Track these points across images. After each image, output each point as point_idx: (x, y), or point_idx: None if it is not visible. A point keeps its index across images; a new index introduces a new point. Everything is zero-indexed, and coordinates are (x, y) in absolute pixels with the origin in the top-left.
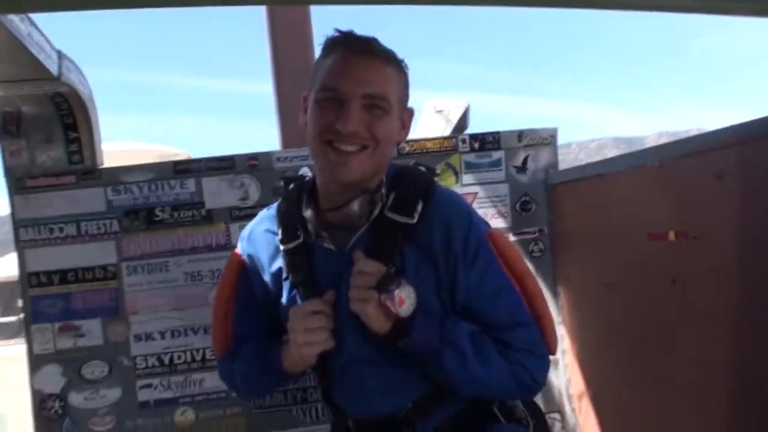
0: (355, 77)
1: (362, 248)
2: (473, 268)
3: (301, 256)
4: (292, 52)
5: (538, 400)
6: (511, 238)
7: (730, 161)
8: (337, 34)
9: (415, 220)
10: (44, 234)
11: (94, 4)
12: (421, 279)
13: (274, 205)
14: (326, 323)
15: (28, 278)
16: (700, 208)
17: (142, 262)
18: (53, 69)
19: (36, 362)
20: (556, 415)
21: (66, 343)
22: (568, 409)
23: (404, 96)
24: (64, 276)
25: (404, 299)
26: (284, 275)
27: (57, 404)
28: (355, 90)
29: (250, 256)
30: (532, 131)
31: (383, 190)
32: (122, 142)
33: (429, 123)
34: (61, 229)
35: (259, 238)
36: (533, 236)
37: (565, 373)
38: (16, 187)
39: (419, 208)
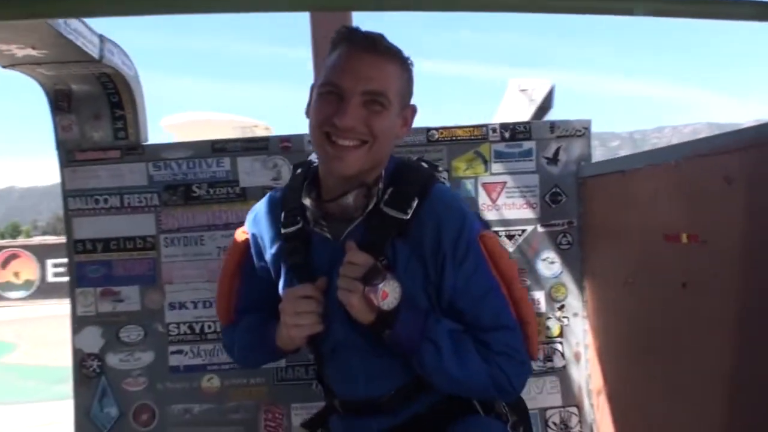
0: (356, 73)
1: (355, 240)
2: (461, 268)
3: (299, 242)
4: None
5: (558, 393)
6: (539, 229)
7: (739, 165)
8: (343, 29)
9: (408, 216)
10: (90, 204)
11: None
12: (410, 274)
13: (282, 188)
14: (315, 308)
15: (74, 245)
16: (709, 211)
17: (178, 235)
18: (94, 53)
19: (78, 323)
20: (574, 409)
21: (106, 307)
22: (586, 404)
23: (407, 93)
24: (107, 244)
25: (388, 293)
26: (282, 258)
27: (95, 363)
28: (355, 86)
29: (254, 235)
30: (565, 122)
31: (381, 185)
32: (202, 111)
33: (512, 102)
34: (105, 201)
35: (263, 219)
36: (562, 228)
37: (587, 368)
38: (66, 160)
39: (414, 204)
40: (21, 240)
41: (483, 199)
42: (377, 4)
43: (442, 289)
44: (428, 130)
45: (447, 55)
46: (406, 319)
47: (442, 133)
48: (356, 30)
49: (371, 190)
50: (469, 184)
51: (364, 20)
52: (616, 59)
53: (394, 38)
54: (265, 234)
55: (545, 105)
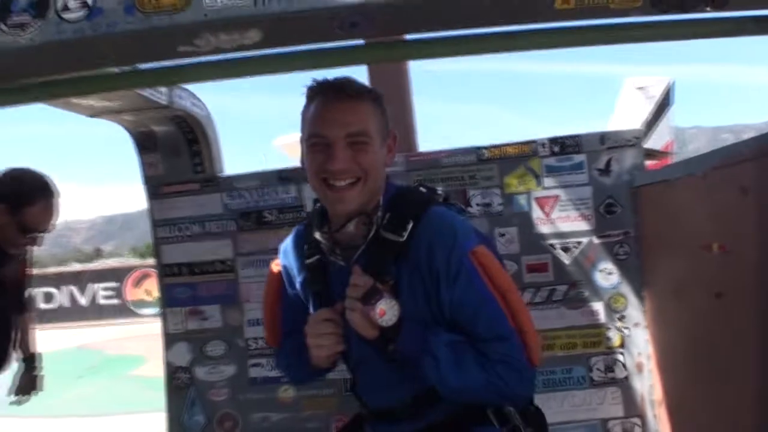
0: (336, 121)
1: (361, 264)
2: (455, 284)
3: (319, 271)
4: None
5: (620, 404)
6: (595, 240)
7: (753, 174)
8: (314, 84)
9: (403, 239)
10: (175, 232)
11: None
12: (412, 292)
13: (305, 222)
14: (334, 330)
15: (163, 269)
16: (731, 221)
17: (253, 258)
18: (162, 100)
19: (169, 340)
20: (637, 420)
21: (193, 324)
22: (649, 414)
23: (384, 124)
24: (191, 268)
25: (385, 311)
26: (307, 286)
27: (185, 376)
28: (338, 132)
29: (285, 266)
30: (616, 133)
31: (379, 212)
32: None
33: (629, 101)
34: (188, 228)
35: (291, 253)
36: (618, 239)
37: (649, 379)
38: (153, 194)
39: (409, 227)
40: (151, 260)
41: (537, 213)
42: (421, 53)
43: (441, 304)
44: (478, 149)
45: (563, 57)
46: (408, 334)
47: (492, 152)
48: (326, 81)
49: (371, 217)
50: (522, 200)
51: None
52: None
53: None
54: (293, 265)
55: (664, 102)
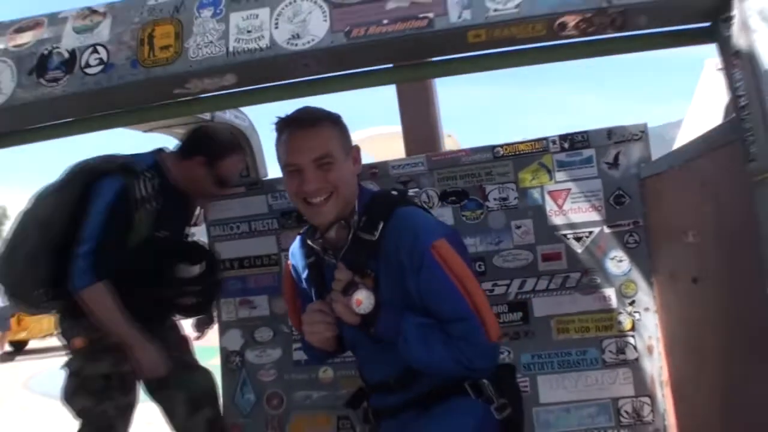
0: (302, 149)
1: (345, 261)
2: (419, 274)
3: (316, 269)
4: None
5: (630, 384)
6: (606, 230)
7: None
8: (279, 119)
9: (375, 238)
10: (226, 231)
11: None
12: (388, 283)
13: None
14: (323, 319)
15: None
16: (699, 212)
17: None
18: (206, 115)
19: (223, 327)
20: (647, 399)
21: (244, 313)
22: (658, 394)
23: (346, 141)
24: (241, 262)
25: (362, 300)
26: (308, 282)
27: (237, 359)
28: (305, 159)
29: (293, 266)
30: (621, 128)
31: (355, 216)
32: (387, 126)
33: (710, 82)
34: (237, 227)
35: (297, 254)
36: (628, 228)
37: (658, 360)
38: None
39: (380, 227)
40: None
41: (550, 206)
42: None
43: (410, 291)
44: (493, 147)
45: None
46: (384, 319)
47: (506, 149)
48: (289, 115)
49: (348, 221)
50: (536, 193)
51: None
52: None
53: None
54: (299, 264)
55: None
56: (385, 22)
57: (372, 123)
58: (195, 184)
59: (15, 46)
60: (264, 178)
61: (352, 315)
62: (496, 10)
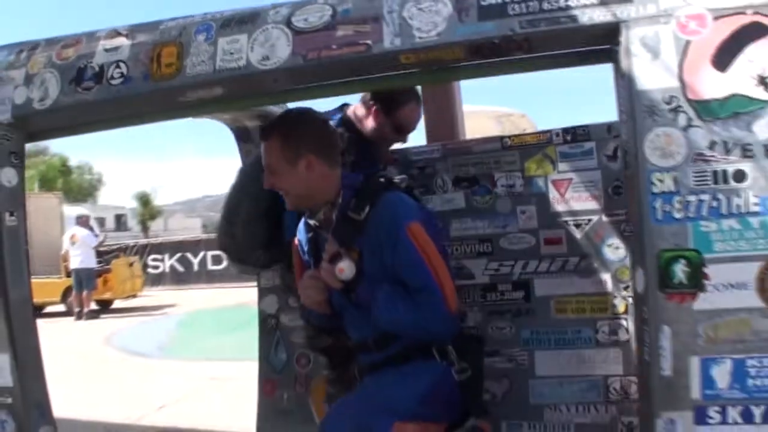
0: (264, 156)
1: (335, 236)
2: (395, 251)
3: (314, 242)
4: None
5: (620, 364)
6: (604, 218)
7: None
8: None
9: (361, 218)
10: None
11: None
12: (370, 257)
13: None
14: (315, 284)
15: None
16: None
17: None
18: None
19: (262, 292)
20: (634, 378)
21: (279, 280)
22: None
23: (288, 155)
24: None
25: (344, 269)
26: (308, 254)
27: (273, 321)
28: (263, 162)
29: (299, 240)
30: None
31: (340, 200)
32: (465, 105)
33: None
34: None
35: (301, 230)
36: (624, 217)
37: None
38: None
39: (366, 209)
40: None
41: (553, 194)
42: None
43: (387, 265)
44: (502, 138)
45: None
46: (363, 286)
47: (513, 141)
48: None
49: (334, 204)
50: (540, 182)
51: None
52: None
53: None
54: (303, 240)
55: None
56: (334, 47)
57: None
58: (377, 133)
59: (61, 60)
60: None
61: (336, 281)
62: (420, 37)
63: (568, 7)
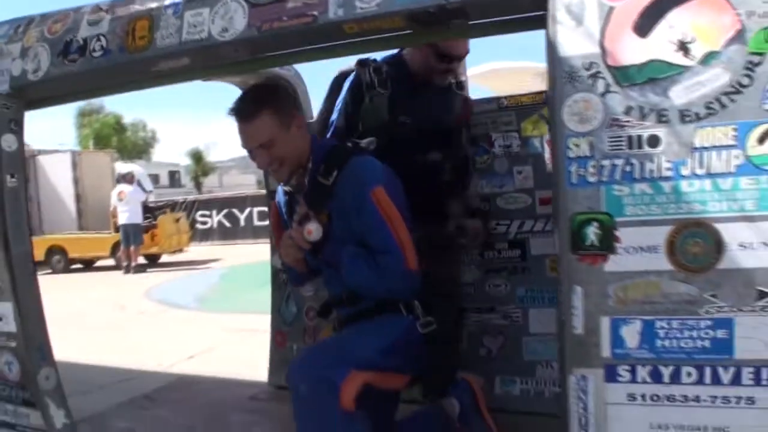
0: (247, 139)
1: (306, 200)
2: (359, 214)
3: (290, 205)
4: None
5: None
6: None
7: None
8: (228, 109)
9: (330, 183)
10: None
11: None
12: (339, 220)
13: None
14: (293, 244)
15: (270, 194)
16: None
17: None
18: None
19: (274, 249)
20: None
21: None
22: None
23: (284, 120)
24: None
25: (312, 230)
26: (286, 215)
27: (284, 276)
28: (252, 145)
29: (278, 202)
30: None
31: (310, 164)
32: (502, 61)
33: None
34: None
35: (279, 193)
36: None
37: None
38: None
39: (334, 174)
40: None
41: (548, 154)
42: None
43: (354, 227)
44: (498, 99)
45: None
46: (329, 247)
47: (510, 101)
48: (232, 107)
49: (305, 169)
50: (536, 142)
51: None
52: None
53: None
54: (281, 202)
55: None
56: (285, 18)
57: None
58: (424, 65)
59: (51, 34)
60: (309, 120)
61: (304, 242)
62: (362, 8)
63: None
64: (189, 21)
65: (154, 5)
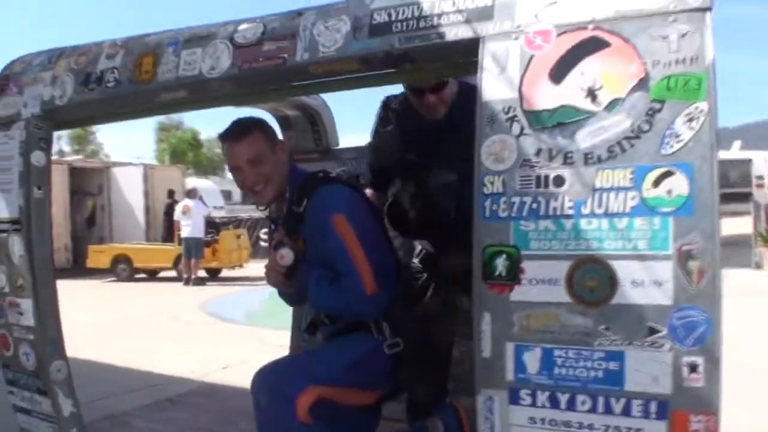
0: (236, 157)
1: (284, 227)
2: (324, 240)
3: (274, 231)
4: None
5: None
6: None
7: None
8: (220, 134)
9: (300, 210)
10: None
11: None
12: (310, 245)
13: None
14: (271, 268)
15: None
16: None
17: None
18: None
19: None
20: None
21: None
22: None
23: (270, 142)
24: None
25: (284, 256)
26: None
27: None
28: (240, 162)
29: (270, 228)
30: None
31: (287, 194)
32: None
33: None
34: None
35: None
36: None
37: None
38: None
39: (304, 202)
40: None
41: None
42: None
43: (321, 252)
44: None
45: None
46: (300, 271)
47: None
48: (225, 130)
49: (284, 197)
50: None
51: None
52: None
53: None
54: (272, 229)
55: None
56: (261, 59)
57: None
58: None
59: (76, 65)
60: (333, 148)
61: (279, 266)
62: (323, 52)
63: (438, 25)
64: (185, 59)
65: (158, 43)
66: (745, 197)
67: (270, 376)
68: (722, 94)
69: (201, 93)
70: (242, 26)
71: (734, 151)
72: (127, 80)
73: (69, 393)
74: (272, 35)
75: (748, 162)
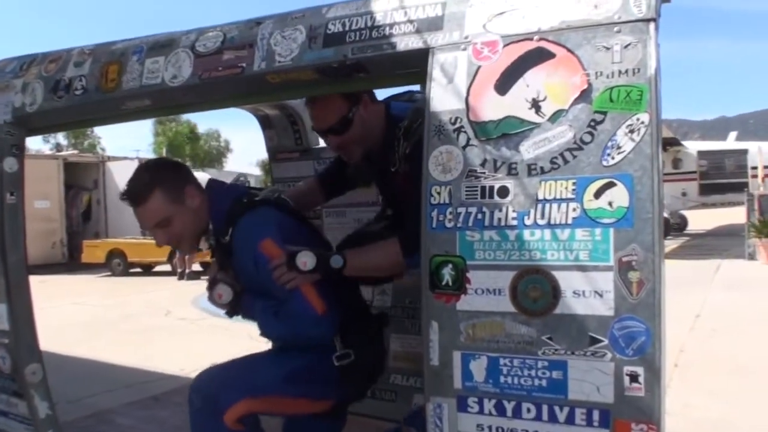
0: (142, 221)
1: (216, 260)
2: (258, 268)
3: None
4: None
5: None
6: None
7: None
8: (120, 194)
9: (226, 241)
10: (286, 187)
11: None
12: (243, 274)
13: None
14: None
15: None
16: None
17: (332, 209)
18: None
19: None
20: None
21: None
22: None
23: (174, 195)
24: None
25: (222, 293)
26: None
27: None
28: (148, 227)
29: None
30: None
31: (210, 227)
32: None
33: None
34: (291, 186)
35: None
36: None
37: None
38: (272, 158)
39: (230, 232)
40: None
41: None
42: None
43: (259, 281)
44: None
45: None
46: (245, 304)
47: None
48: (123, 192)
49: (208, 232)
50: None
51: None
52: None
53: None
54: None
55: None
56: (220, 68)
57: None
58: None
59: (46, 72)
60: (312, 147)
61: (221, 302)
62: (280, 61)
63: (390, 35)
64: (149, 67)
65: (123, 51)
66: (741, 187)
67: (209, 380)
68: (721, 84)
69: (164, 101)
70: (204, 35)
71: (730, 142)
72: (94, 88)
73: (45, 395)
74: (231, 44)
75: (744, 152)
